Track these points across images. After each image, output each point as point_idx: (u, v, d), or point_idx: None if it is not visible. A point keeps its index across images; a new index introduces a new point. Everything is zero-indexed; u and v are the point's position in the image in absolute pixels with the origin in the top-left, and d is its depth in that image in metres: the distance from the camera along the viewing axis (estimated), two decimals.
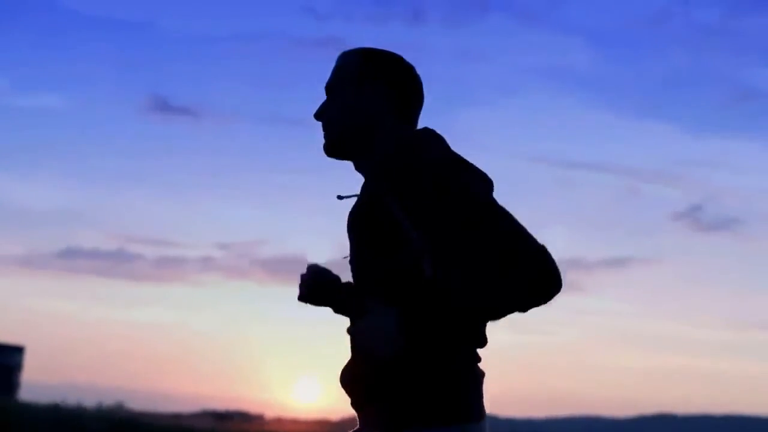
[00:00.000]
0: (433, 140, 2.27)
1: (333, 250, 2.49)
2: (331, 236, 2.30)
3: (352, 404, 2.30)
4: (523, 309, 2.10)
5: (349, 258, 2.34)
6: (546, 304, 2.10)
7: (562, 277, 2.09)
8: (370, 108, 2.31)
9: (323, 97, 2.39)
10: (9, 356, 36.53)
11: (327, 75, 2.40)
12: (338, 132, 2.33)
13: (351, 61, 2.36)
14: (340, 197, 2.36)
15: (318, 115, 2.37)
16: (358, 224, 2.29)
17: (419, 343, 2.10)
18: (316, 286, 2.35)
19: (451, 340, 2.14)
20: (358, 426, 2.29)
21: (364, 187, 2.33)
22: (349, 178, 2.39)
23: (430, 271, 2.14)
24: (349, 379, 2.28)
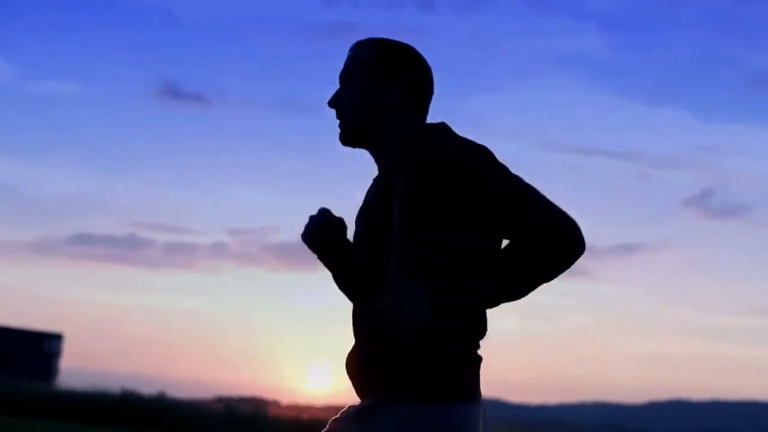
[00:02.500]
0: (448, 131, 2.33)
1: None
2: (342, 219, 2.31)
3: (357, 391, 2.33)
4: (554, 274, 2.22)
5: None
6: (565, 273, 2.25)
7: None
8: (386, 100, 2.35)
9: (334, 83, 2.43)
10: (48, 343, 36.80)
11: (338, 61, 2.44)
12: (353, 123, 2.36)
13: (366, 52, 2.39)
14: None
15: (332, 103, 2.40)
16: (368, 218, 2.36)
17: (439, 320, 2.17)
18: (324, 226, 2.38)
19: (462, 324, 2.22)
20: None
21: (376, 181, 2.40)
22: (360, 166, 2.45)
23: (397, 266, 2.22)
24: (354, 365, 2.32)
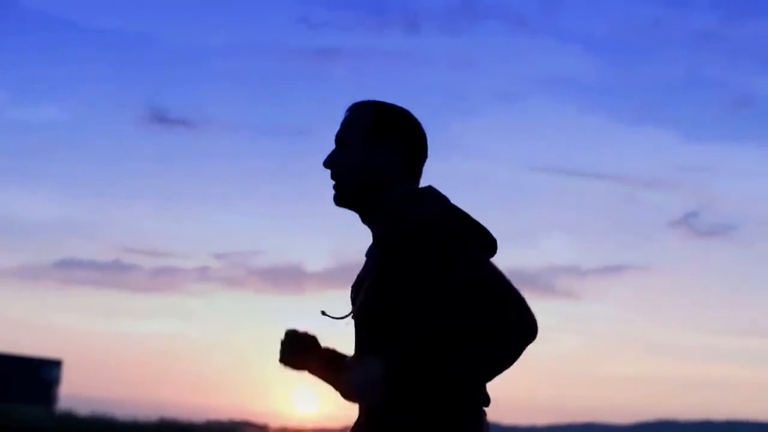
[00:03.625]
0: (430, 199, 2.32)
1: (329, 260, 2.61)
2: (328, 246, 2.38)
3: None
4: (508, 365, 2.19)
5: (345, 317, 2.40)
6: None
7: (558, 289, 2.37)
8: (382, 165, 2.35)
9: (318, 109, 2.65)
10: (48, 370, 36.86)
11: (322, 85, 2.62)
12: (349, 187, 2.36)
13: (364, 114, 2.38)
14: (324, 314, 2.41)
15: (327, 164, 2.39)
16: (360, 294, 2.35)
17: (413, 396, 2.16)
18: (296, 349, 2.40)
19: (447, 398, 2.19)
20: None
21: (368, 252, 2.40)
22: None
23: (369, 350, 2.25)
24: None
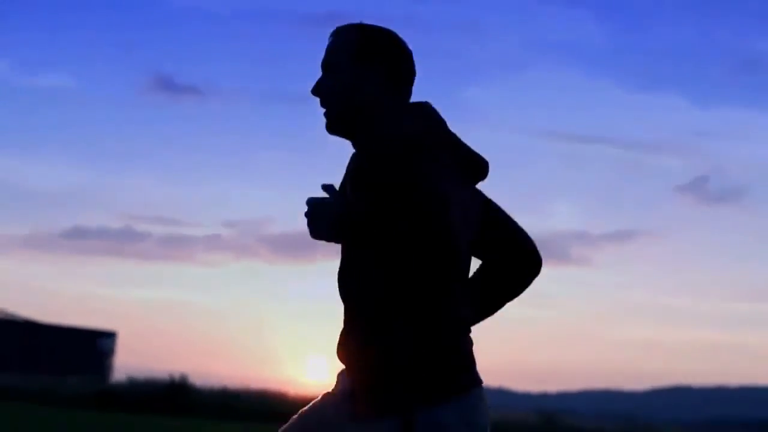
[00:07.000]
0: (416, 115, 2.32)
1: None
2: None
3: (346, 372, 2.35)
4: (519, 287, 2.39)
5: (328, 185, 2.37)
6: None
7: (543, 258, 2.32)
8: (368, 86, 2.34)
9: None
10: (101, 341, 37.10)
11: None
12: (338, 110, 2.35)
13: (347, 37, 2.38)
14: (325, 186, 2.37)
15: (315, 91, 2.39)
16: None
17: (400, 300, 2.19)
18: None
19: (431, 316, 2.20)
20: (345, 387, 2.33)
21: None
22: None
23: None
24: (341, 350, 2.33)
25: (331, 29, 2.42)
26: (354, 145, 2.38)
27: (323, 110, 2.38)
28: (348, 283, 2.30)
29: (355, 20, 2.41)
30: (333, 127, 2.37)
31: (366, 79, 2.34)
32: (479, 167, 2.33)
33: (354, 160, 2.33)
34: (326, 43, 2.40)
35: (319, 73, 2.41)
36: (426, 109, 2.34)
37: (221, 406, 22.62)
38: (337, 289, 2.35)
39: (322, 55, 2.41)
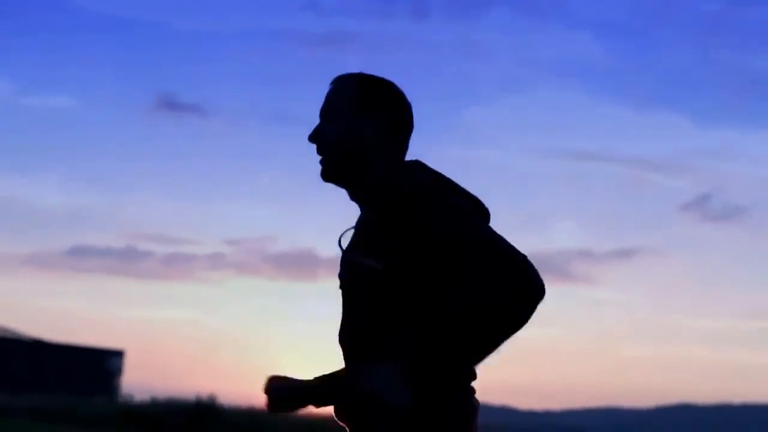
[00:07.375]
0: (420, 170, 2.30)
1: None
2: (341, 231, 2.42)
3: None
4: (514, 322, 2.09)
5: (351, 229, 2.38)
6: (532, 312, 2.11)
7: (545, 284, 2.12)
8: (367, 137, 2.32)
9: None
10: (109, 360, 36.96)
11: (331, 71, 2.42)
12: (334, 159, 2.33)
13: (347, 87, 2.36)
14: (341, 244, 2.38)
15: (313, 138, 2.36)
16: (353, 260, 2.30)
17: (422, 388, 2.12)
18: (281, 398, 2.33)
19: (448, 377, 2.16)
20: None
21: (359, 222, 2.37)
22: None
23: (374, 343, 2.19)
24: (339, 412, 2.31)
25: (333, 50, 2.51)
26: (351, 195, 2.37)
27: (319, 157, 2.36)
28: (361, 344, 2.25)
29: (359, 40, 2.52)
30: (328, 175, 2.35)
31: (364, 129, 2.32)
32: (487, 213, 2.31)
33: (382, 218, 2.25)
34: (328, 62, 2.51)
35: (324, 92, 2.42)
36: (422, 163, 2.33)
37: (248, 427, 22.51)
38: (339, 343, 2.34)
39: (324, 75, 2.40)
